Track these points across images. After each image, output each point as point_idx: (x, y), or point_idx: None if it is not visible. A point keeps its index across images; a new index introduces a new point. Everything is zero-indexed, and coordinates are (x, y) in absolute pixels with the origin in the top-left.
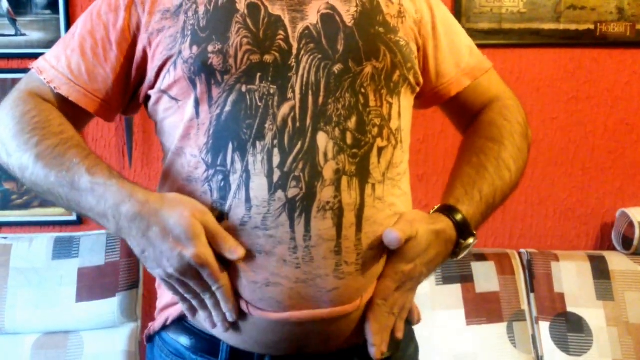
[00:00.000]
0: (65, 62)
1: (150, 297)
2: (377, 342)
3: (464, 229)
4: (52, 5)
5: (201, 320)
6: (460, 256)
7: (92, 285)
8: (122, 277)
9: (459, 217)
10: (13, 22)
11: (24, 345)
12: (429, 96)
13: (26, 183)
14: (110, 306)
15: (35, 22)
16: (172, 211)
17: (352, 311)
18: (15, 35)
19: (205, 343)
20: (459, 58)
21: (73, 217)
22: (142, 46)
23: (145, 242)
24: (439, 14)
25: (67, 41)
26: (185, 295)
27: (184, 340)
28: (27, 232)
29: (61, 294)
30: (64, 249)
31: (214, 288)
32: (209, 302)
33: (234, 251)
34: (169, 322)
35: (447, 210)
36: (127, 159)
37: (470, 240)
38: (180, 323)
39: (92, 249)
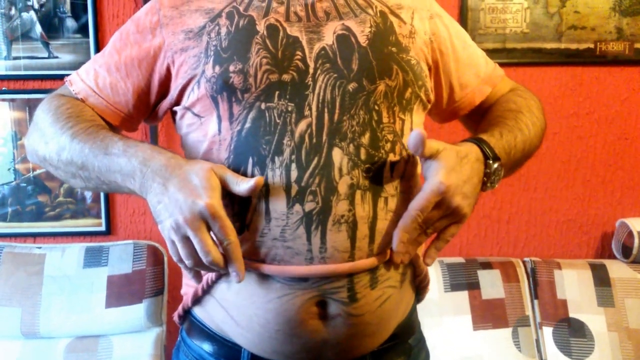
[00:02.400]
0: (93, 76)
1: (175, 303)
2: (398, 247)
3: (488, 152)
4: (83, 30)
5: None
6: (490, 186)
7: (121, 292)
8: (148, 284)
9: (482, 142)
10: (46, 45)
11: (57, 348)
12: (453, 108)
13: (61, 167)
14: (137, 312)
15: (66, 46)
16: (194, 166)
17: (375, 264)
18: (48, 57)
19: (227, 349)
20: (478, 68)
21: (102, 228)
22: (166, 64)
23: (163, 192)
24: (453, 30)
25: (97, 58)
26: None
27: (207, 347)
28: (60, 242)
29: (92, 300)
30: (94, 258)
31: (224, 244)
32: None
33: (250, 180)
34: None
35: (468, 140)
36: None
37: (496, 165)
38: (203, 330)
39: (120, 258)
